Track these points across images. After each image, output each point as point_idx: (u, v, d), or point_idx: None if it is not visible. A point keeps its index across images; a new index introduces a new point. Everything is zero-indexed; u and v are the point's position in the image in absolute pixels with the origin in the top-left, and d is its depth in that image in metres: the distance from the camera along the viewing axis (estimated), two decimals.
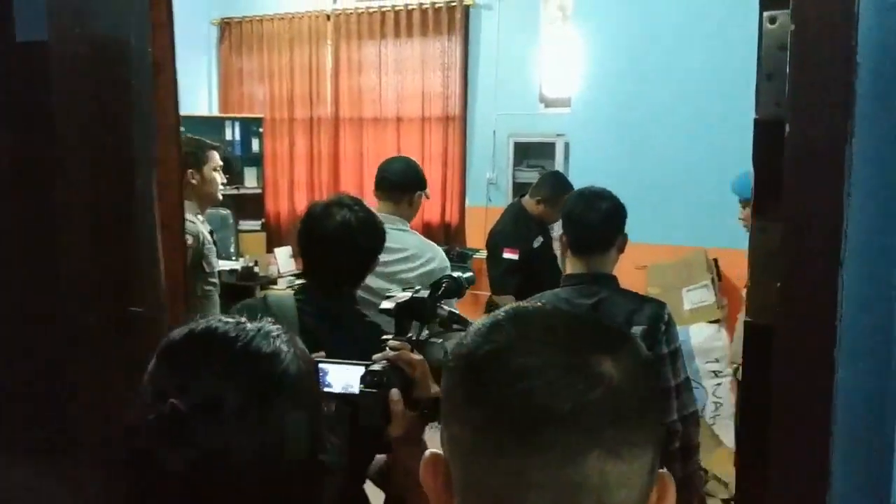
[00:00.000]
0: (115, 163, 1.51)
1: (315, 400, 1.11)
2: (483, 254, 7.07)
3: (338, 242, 2.04)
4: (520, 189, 6.82)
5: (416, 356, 1.52)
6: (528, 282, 3.91)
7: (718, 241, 4.43)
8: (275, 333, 1.05)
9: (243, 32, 8.13)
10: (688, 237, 4.57)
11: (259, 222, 7.80)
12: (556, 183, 4.06)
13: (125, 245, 1.55)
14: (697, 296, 4.42)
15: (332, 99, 7.76)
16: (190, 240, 3.04)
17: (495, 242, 4.10)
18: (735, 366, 2.92)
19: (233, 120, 7.83)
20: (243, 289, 5.59)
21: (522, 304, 0.82)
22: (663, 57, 4.60)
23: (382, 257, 2.82)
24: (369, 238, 2.13)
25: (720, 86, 4.49)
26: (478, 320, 0.80)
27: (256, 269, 5.94)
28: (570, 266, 2.30)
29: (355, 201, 2.16)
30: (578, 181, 4.86)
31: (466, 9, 7.08)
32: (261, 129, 7.87)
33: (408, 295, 1.73)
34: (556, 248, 4.11)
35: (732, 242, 4.45)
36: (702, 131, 4.56)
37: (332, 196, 2.20)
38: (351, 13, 7.54)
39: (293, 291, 2.20)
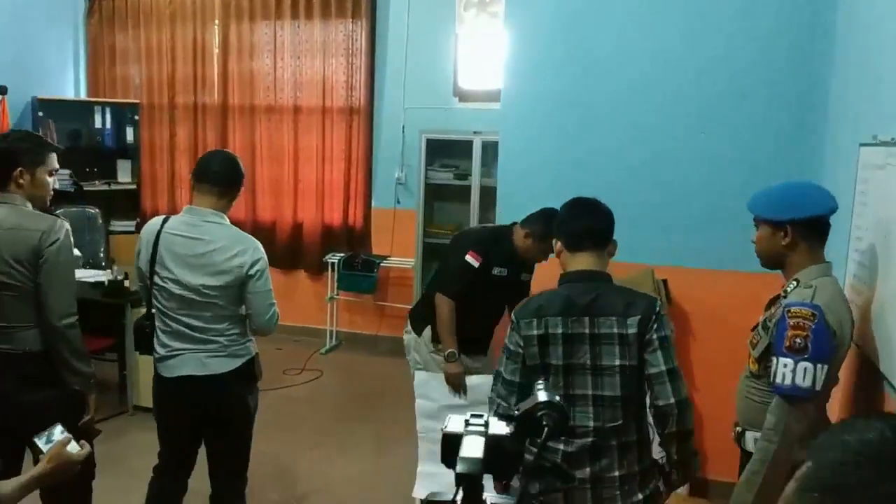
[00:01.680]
0: None
1: None
2: (392, 261, 6.50)
3: None
4: (432, 190, 6.26)
5: None
6: (462, 298, 3.60)
7: (667, 258, 3.94)
8: None
9: (116, 6, 7.16)
10: (633, 254, 3.99)
11: (133, 223, 6.89)
12: (553, 222, 3.57)
13: None
14: None
15: (220, 84, 6.92)
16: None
17: (464, 243, 3.69)
18: (739, 429, 2.39)
19: (103, 105, 6.90)
20: (109, 307, 4.69)
21: None
22: (611, 49, 4.06)
23: (197, 249, 2.79)
24: None
25: (676, 86, 3.99)
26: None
27: (127, 283, 4.75)
28: (569, 266, 2.40)
29: None
30: (509, 187, 4.33)
31: None
32: (136, 117, 6.99)
33: (478, 440, 1.14)
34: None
35: (682, 260, 3.99)
36: (652, 136, 4.04)
37: None
38: None
39: None
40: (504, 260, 3.63)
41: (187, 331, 2.84)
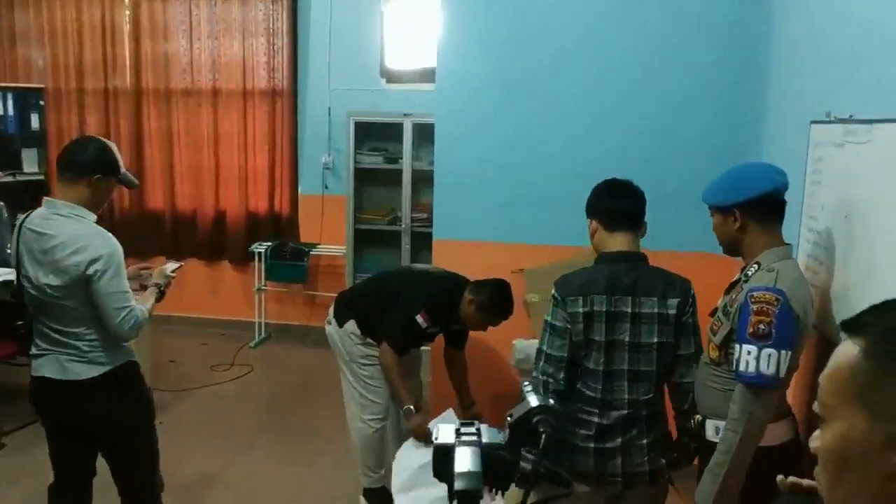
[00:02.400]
0: None
1: None
2: (322, 249, 6.28)
3: None
4: (361, 174, 6.07)
5: None
6: None
7: None
8: None
9: None
10: (571, 236, 3.92)
11: None
12: (501, 296, 3.47)
13: None
14: None
15: (132, 67, 6.54)
16: None
17: (420, 293, 3.52)
18: (699, 418, 2.31)
19: (5, 91, 6.40)
20: (19, 308, 4.29)
21: None
22: (549, 28, 3.92)
23: (43, 245, 2.59)
24: None
25: (613, 65, 3.89)
26: None
27: None
28: (606, 245, 2.48)
29: None
30: (446, 170, 4.17)
31: None
32: (42, 102, 6.53)
33: (472, 452, 1.08)
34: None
35: None
36: (591, 118, 3.94)
37: None
38: None
39: None
40: (445, 320, 3.55)
41: (49, 331, 2.66)
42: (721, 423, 2.15)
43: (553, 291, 2.44)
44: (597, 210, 2.53)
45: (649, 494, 2.48)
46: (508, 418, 1.22)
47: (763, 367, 2.00)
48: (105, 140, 2.77)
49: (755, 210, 2.18)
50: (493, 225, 4.14)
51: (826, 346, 2.34)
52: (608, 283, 2.36)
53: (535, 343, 3.91)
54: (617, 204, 2.49)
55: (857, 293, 2.11)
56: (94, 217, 2.65)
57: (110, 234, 2.63)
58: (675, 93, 3.84)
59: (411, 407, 3.42)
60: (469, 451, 1.09)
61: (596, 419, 2.40)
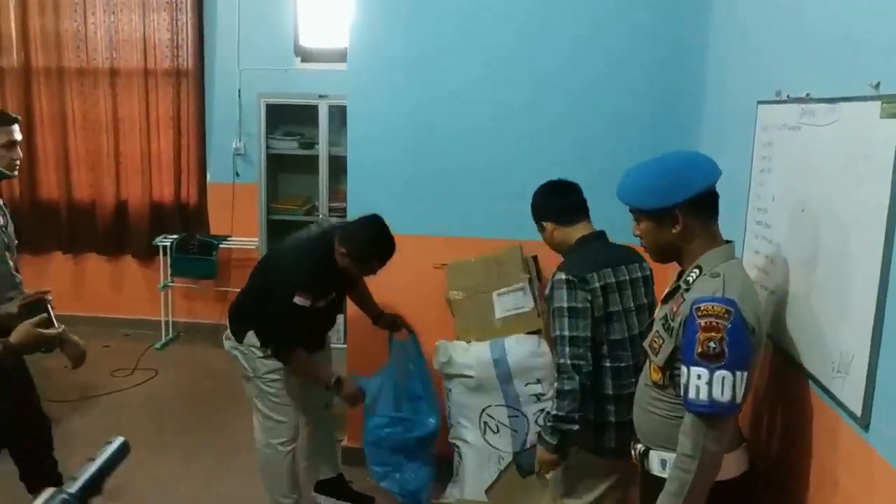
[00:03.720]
0: None
1: None
2: (234, 242, 5.87)
3: None
4: (275, 161, 5.67)
5: None
6: None
7: (535, 233, 3.56)
8: None
9: None
10: (498, 228, 3.67)
11: None
12: (371, 241, 3.12)
13: None
14: (511, 301, 3.53)
15: (20, 44, 5.95)
16: None
17: (288, 279, 3.10)
18: (641, 447, 2.02)
19: None
20: None
21: None
22: (473, 7, 3.61)
23: None
24: None
25: (540, 47, 3.59)
26: None
27: None
28: (571, 237, 2.62)
29: None
30: (360, 156, 3.84)
31: None
32: None
33: None
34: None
35: None
36: (515, 101, 3.62)
37: None
38: None
39: None
40: (336, 283, 3.27)
41: None
42: (667, 456, 1.86)
43: (564, 276, 2.46)
44: (548, 212, 2.66)
45: None
46: None
47: (717, 394, 1.70)
48: None
49: (698, 207, 1.87)
50: (413, 217, 3.81)
51: (781, 359, 2.09)
52: (605, 258, 2.54)
53: (458, 345, 3.65)
54: (568, 201, 2.65)
55: (824, 299, 1.83)
56: None
57: None
58: (607, 77, 3.57)
59: (339, 376, 3.26)
60: None
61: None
